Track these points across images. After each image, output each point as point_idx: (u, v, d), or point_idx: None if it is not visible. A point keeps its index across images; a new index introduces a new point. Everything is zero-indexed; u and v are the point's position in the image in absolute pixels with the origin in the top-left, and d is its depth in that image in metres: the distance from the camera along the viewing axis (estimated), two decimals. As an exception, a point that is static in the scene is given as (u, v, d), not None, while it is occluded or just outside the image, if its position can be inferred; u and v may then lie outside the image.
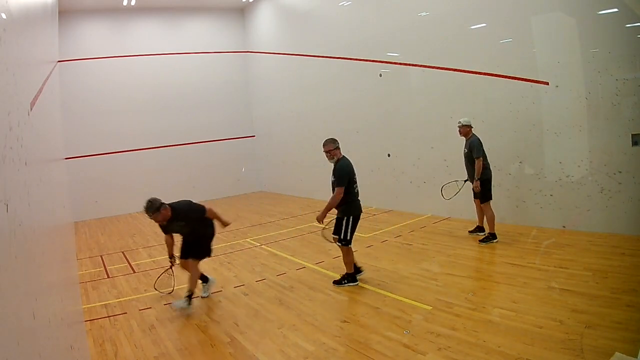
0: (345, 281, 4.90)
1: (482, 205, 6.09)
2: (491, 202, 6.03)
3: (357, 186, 4.91)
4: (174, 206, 4.59)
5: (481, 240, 6.01)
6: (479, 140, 5.97)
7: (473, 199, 6.21)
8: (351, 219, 4.84)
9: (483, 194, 5.99)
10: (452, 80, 7.41)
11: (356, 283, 4.89)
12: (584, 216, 5.86)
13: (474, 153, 5.88)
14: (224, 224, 4.94)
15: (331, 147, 4.86)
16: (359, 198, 4.94)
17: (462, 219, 7.19)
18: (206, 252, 4.86)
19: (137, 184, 12.14)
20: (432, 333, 3.61)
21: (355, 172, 4.92)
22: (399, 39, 8.45)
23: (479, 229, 6.32)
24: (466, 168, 6.20)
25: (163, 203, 4.52)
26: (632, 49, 5.23)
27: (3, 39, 1.38)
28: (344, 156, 4.92)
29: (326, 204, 4.83)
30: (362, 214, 4.97)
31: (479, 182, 5.89)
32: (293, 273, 5.61)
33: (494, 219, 6.00)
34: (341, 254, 4.99)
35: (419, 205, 8.36)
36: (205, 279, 5.09)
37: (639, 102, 5.27)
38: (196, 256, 4.77)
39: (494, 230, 5.98)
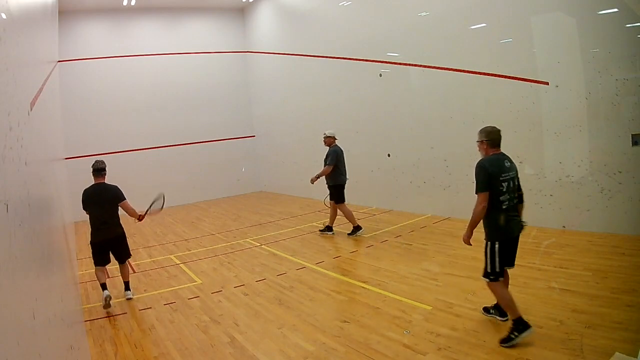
0: (515, 334, 3.23)
1: (337, 206, 7.14)
2: None
3: (508, 196, 3.44)
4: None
5: (350, 234, 7.03)
6: (337, 150, 7.11)
7: (326, 201, 7.32)
8: (497, 246, 3.44)
9: (338, 197, 7.11)
10: (452, 80, 7.40)
11: (529, 330, 3.23)
12: (584, 216, 5.85)
13: (327, 161, 7.07)
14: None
15: (479, 137, 3.59)
16: (516, 213, 3.56)
17: (463, 219, 7.18)
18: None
19: (137, 183, 12.08)
20: (432, 333, 3.61)
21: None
22: (399, 39, 8.45)
23: (328, 228, 7.31)
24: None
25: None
26: (632, 49, 5.22)
27: (3, 39, 1.38)
28: (501, 153, 3.53)
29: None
30: (513, 235, 3.54)
31: (316, 178, 7.15)
32: (293, 273, 5.61)
33: (351, 214, 7.11)
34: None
35: (419, 205, 8.35)
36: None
37: (639, 102, 5.27)
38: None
39: (356, 223, 7.09)
